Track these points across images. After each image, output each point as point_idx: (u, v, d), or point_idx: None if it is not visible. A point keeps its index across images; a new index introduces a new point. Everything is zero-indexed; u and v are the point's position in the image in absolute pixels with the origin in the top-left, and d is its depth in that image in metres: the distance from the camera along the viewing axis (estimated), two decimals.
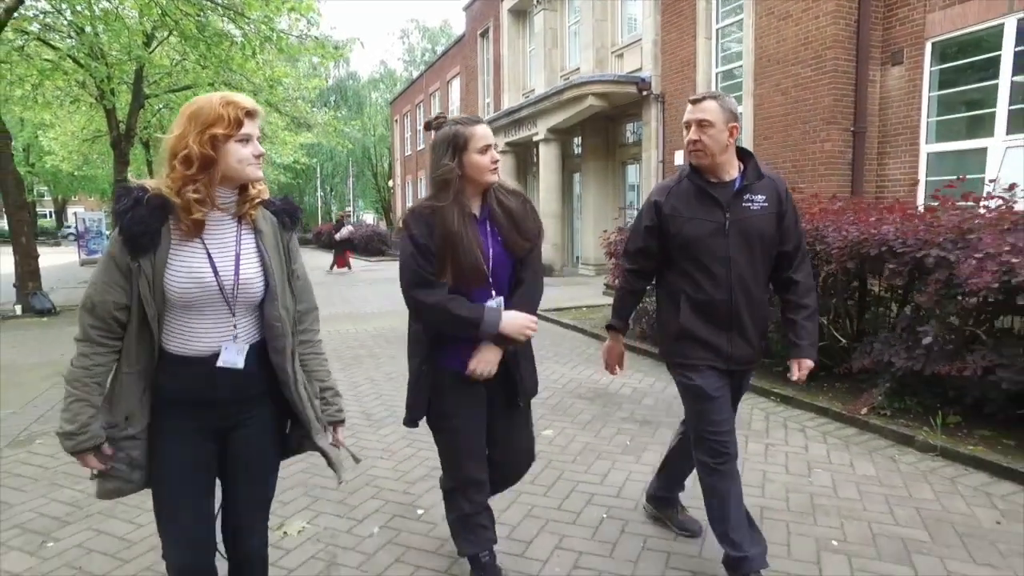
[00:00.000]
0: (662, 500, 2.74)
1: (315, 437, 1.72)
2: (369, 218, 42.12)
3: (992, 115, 7.12)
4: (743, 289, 2.19)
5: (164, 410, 1.57)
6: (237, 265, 1.56)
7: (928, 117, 7.83)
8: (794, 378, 2.28)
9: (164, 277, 1.49)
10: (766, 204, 2.19)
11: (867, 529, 2.70)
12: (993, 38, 7.05)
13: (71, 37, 11.01)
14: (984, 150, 7.23)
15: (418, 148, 28.39)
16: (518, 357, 2.11)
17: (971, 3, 7.14)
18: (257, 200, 1.60)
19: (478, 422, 2.14)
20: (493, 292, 2.04)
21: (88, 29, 10.49)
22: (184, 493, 1.60)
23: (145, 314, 1.50)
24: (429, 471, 3.38)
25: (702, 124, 2.15)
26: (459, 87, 22.57)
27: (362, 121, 39.97)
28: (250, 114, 1.53)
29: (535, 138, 14.13)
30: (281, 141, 18.79)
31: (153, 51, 12.02)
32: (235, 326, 1.58)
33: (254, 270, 1.59)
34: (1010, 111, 6.97)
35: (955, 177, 7.04)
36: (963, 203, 4.10)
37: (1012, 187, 3.87)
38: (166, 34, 11.26)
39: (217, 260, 1.54)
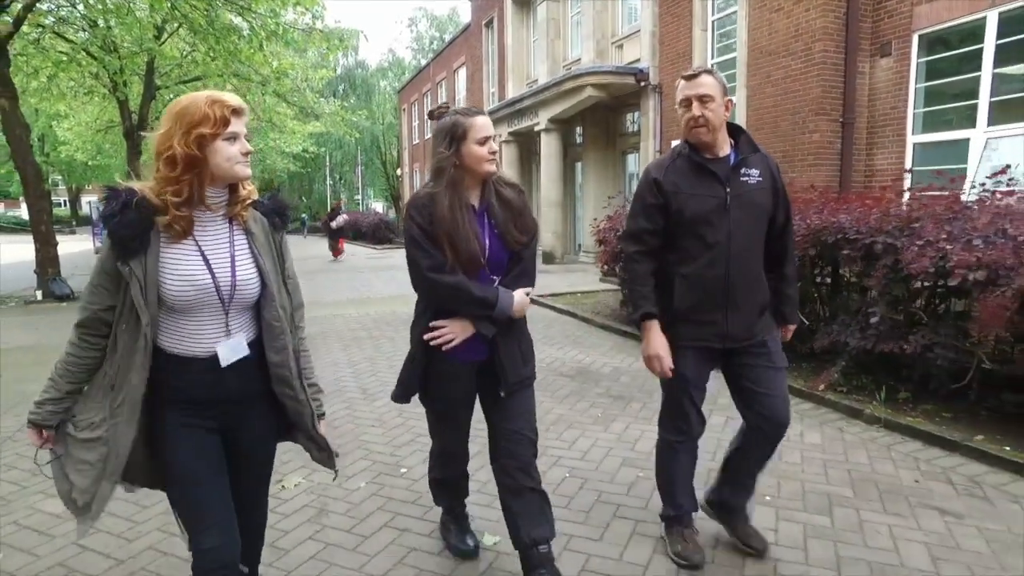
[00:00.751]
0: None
1: (313, 430, 1.77)
2: (379, 207, 42.42)
3: (975, 107, 7.31)
4: (742, 264, 2.17)
5: (167, 409, 1.58)
6: (233, 267, 1.57)
7: (915, 108, 8.02)
8: (786, 339, 2.42)
9: (159, 280, 1.49)
10: (761, 179, 2.21)
11: (800, 487, 3.01)
12: (976, 31, 7.22)
13: (84, 31, 11.38)
14: (967, 141, 7.43)
15: (425, 137, 28.65)
16: (500, 348, 2.08)
17: None
18: (248, 201, 1.62)
19: (466, 408, 2.24)
20: (494, 278, 2.06)
21: (101, 22, 10.85)
22: (201, 480, 1.59)
23: (138, 318, 1.50)
24: (415, 437, 3.73)
25: (703, 99, 2.12)
26: (465, 76, 22.77)
27: (371, 110, 40.28)
28: (236, 112, 1.52)
29: (536, 128, 14.37)
30: (290, 131, 19.16)
31: (163, 43, 12.36)
32: (227, 324, 1.59)
33: (250, 271, 1.60)
34: (991, 103, 7.16)
35: (939, 168, 7.30)
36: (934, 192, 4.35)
37: (1003, 171, 4.11)
38: (176, 26, 11.57)
39: (213, 262, 1.55)
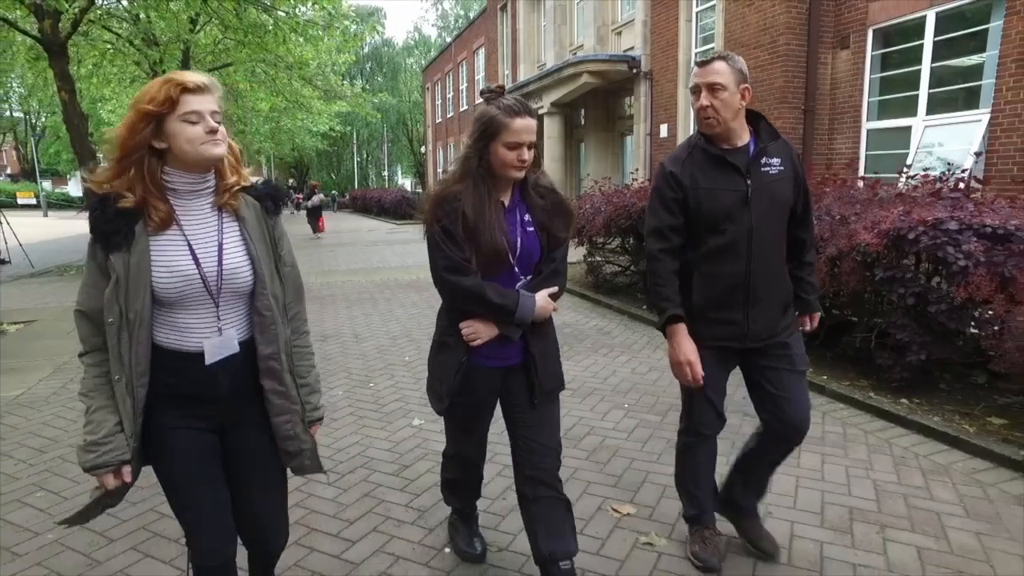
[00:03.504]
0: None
1: (302, 427, 1.66)
2: (408, 184, 43.55)
3: (916, 97, 8.06)
4: (764, 260, 2.05)
5: (162, 405, 1.51)
6: (220, 255, 1.50)
7: (869, 97, 8.77)
8: (808, 330, 2.29)
9: (151, 274, 1.43)
10: (783, 168, 2.06)
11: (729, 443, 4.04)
12: (919, 28, 7.94)
13: (127, 21, 12.63)
14: (909, 128, 8.19)
15: (448, 115, 29.62)
16: (536, 355, 1.97)
17: None
18: (237, 188, 1.55)
19: (488, 413, 2.09)
20: (522, 278, 1.94)
21: (142, 16, 12.08)
22: (199, 479, 1.55)
23: (127, 314, 1.43)
24: (386, 366, 4.86)
25: (713, 88, 1.97)
26: (484, 58, 23.64)
27: (397, 88, 41.33)
28: (191, 90, 1.41)
29: (540, 111, 15.28)
30: (317, 111, 20.34)
31: (197, 32, 13.57)
32: (219, 318, 1.52)
33: (239, 259, 1.53)
34: (929, 94, 7.90)
35: (889, 152, 8.07)
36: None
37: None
38: (207, 19, 12.75)
39: (199, 251, 1.48)
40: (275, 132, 24.79)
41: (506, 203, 1.92)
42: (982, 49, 7.30)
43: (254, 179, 1.64)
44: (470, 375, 1.94)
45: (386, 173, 44.43)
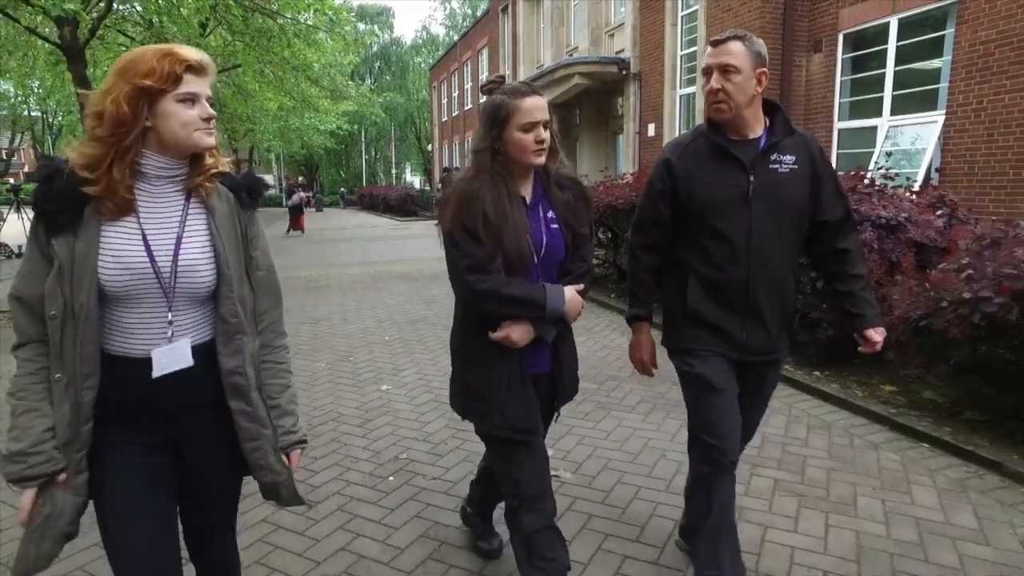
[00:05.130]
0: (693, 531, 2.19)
1: (274, 455, 1.46)
2: (416, 182, 44.15)
3: (882, 98, 8.49)
4: (764, 267, 1.86)
5: (105, 419, 1.32)
6: (177, 247, 1.33)
7: (840, 98, 9.21)
8: (869, 349, 1.97)
9: (96, 263, 1.26)
10: (796, 166, 1.85)
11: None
12: (884, 33, 8.37)
13: (141, 25, 13.28)
14: (875, 128, 8.62)
15: (453, 114, 30.17)
16: (563, 358, 1.88)
17: (869, 2, 8.46)
18: (212, 172, 1.37)
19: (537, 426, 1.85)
20: (542, 280, 1.78)
21: (155, 21, 12.72)
22: (137, 511, 1.34)
23: (72, 306, 1.25)
24: (367, 344, 5.41)
25: (726, 70, 1.79)
26: (487, 58, 24.16)
27: (405, 87, 41.97)
28: (194, 69, 1.28)
29: None
30: (324, 110, 20.96)
31: (207, 36, 14.20)
32: (170, 322, 1.33)
33: (200, 254, 1.35)
34: (893, 96, 8.33)
35: (858, 151, 8.51)
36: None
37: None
38: (215, 24, 13.38)
39: (154, 242, 1.31)
40: (284, 130, 25.44)
41: (527, 199, 1.79)
42: (940, 54, 7.72)
43: (228, 169, 1.45)
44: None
45: (394, 171, 45.09)
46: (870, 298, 1.97)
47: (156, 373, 1.32)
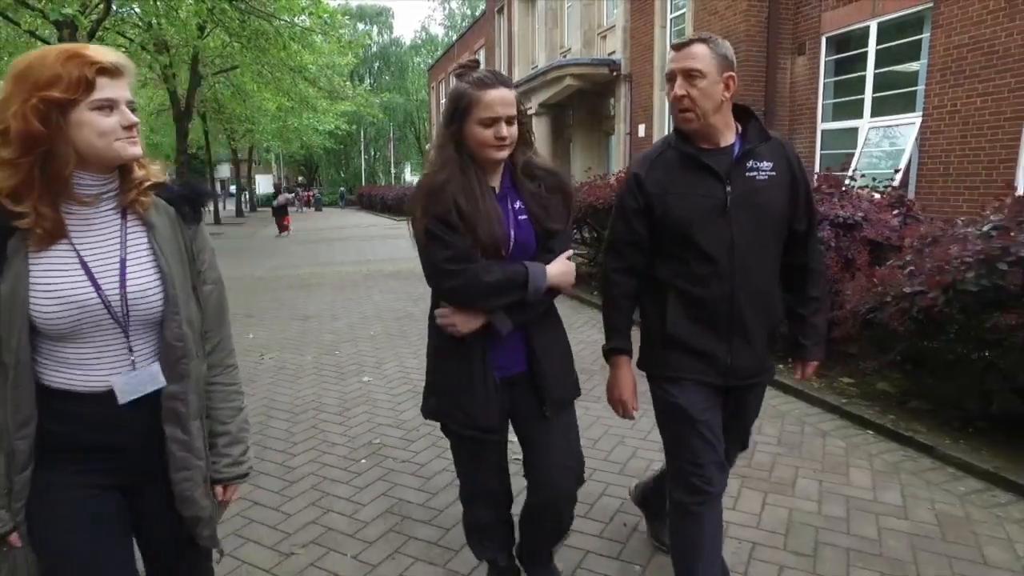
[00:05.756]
0: (648, 502, 2.35)
1: (204, 489, 1.32)
2: (415, 181, 44.27)
3: (862, 100, 8.67)
4: (748, 282, 1.74)
5: (49, 460, 1.20)
6: (123, 273, 1.20)
7: (824, 100, 9.39)
8: (800, 377, 2.01)
9: (28, 300, 1.12)
10: (774, 172, 1.75)
11: None
12: (864, 37, 8.55)
13: (139, 27, 13.49)
14: (856, 129, 8.80)
15: None
16: (540, 355, 1.76)
17: (850, 6, 8.64)
18: (145, 184, 1.23)
19: (499, 434, 1.82)
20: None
21: (154, 23, 12.92)
22: (91, 558, 1.23)
23: (1, 357, 1.13)
24: (353, 338, 5.60)
25: (690, 74, 1.69)
26: (484, 58, 24.35)
27: (404, 87, 42.21)
28: (108, 71, 1.12)
29: (529, 112, 15.98)
30: (322, 111, 21.17)
31: (205, 38, 14.41)
32: (131, 349, 1.23)
33: (148, 278, 1.23)
34: (873, 98, 8.51)
35: (840, 151, 8.69)
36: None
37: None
38: (212, 27, 13.58)
39: (97, 270, 1.18)
40: (283, 131, 25.67)
41: (496, 189, 1.71)
42: (918, 57, 7.90)
43: (164, 178, 1.30)
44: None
45: (394, 171, 45.35)
46: (819, 324, 1.95)
47: (123, 399, 1.22)
